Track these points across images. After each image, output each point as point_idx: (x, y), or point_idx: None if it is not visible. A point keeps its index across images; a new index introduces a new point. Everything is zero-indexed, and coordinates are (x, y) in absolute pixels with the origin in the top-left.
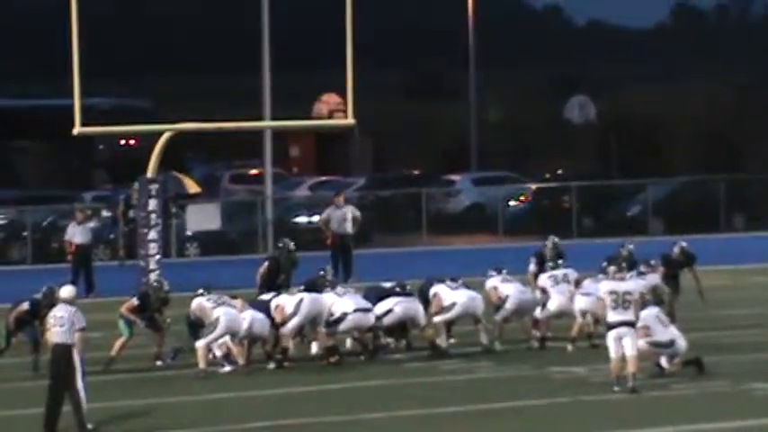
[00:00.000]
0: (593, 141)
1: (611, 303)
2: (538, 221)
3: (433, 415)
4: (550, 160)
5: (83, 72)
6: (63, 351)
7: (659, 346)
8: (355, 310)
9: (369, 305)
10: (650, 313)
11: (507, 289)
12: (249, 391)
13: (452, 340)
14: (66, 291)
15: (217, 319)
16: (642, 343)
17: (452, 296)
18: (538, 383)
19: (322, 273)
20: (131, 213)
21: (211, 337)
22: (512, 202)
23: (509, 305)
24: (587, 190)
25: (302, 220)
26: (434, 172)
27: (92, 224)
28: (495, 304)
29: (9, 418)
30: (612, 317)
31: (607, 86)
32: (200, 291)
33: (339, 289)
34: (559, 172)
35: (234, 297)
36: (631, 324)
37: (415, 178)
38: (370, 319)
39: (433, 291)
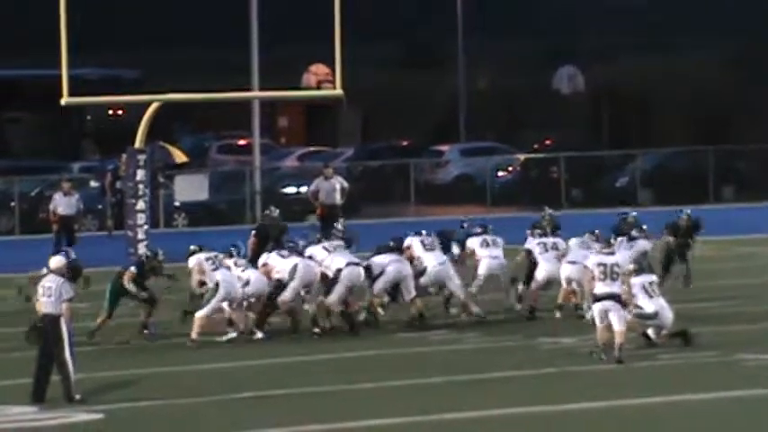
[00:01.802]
0: (582, 112)
1: (599, 275)
2: (526, 192)
3: (420, 385)
4: (539, 131)
5: (71, 43)
6: (51, 321)
7: (643, 318)
8: (348, 264)
9: (358, 260)
10: (638, 282)
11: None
12: (237, 362)
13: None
14: (55, 261)
15: (216, 284)
16: (627, 314)
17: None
18: (526, 354)
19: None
20: (119, 184)
21: (213, 304)
22: (500, 173)
23: (481, 270)
24: (576, 161)
25: (290, 190)
26: (423, 143)
27: (77, 195)
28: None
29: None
30: (600, 288)
31: (597, 57)
32: (194, 247)
33: (327, 244)
34: (548, 143)
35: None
36: (617, 297)
37: (403, 149)
38: (361, 273)
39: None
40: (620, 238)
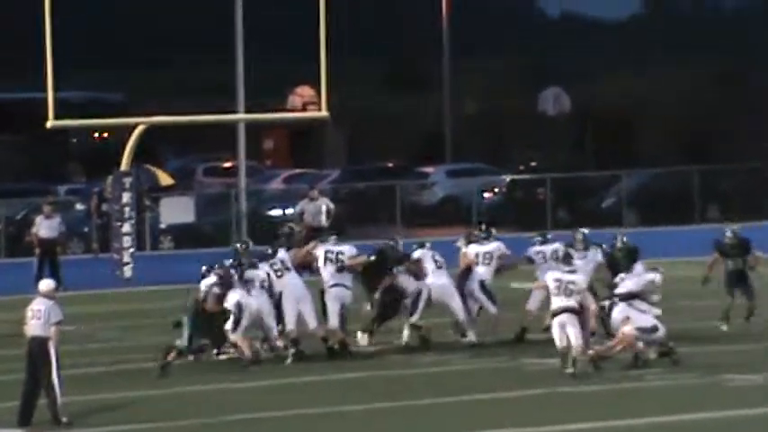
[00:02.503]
0: (568, 133)
1: (554, 290)
2: (512, 213)
3: (409, 407)
4: (525, 152)
5: (56, 66)
6: (39, 344)
7: (644, 332)
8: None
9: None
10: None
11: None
12: (224, 384)
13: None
14: (45, 284)
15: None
16: (629, 329)
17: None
18: (513, 375)
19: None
20: (104, 207)
21: (243, 324)
22: (486, 194)
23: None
24: (562, 182)
25: (276, 212)
26: (409, 164)
27: (58, 218)
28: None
29: None
30: (555, 303)
31: (581, 78)
32: (205, 269)
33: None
34: (533, 164)
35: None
36: (573, 310)
37: (389, 170)
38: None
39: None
40: (637, 266)
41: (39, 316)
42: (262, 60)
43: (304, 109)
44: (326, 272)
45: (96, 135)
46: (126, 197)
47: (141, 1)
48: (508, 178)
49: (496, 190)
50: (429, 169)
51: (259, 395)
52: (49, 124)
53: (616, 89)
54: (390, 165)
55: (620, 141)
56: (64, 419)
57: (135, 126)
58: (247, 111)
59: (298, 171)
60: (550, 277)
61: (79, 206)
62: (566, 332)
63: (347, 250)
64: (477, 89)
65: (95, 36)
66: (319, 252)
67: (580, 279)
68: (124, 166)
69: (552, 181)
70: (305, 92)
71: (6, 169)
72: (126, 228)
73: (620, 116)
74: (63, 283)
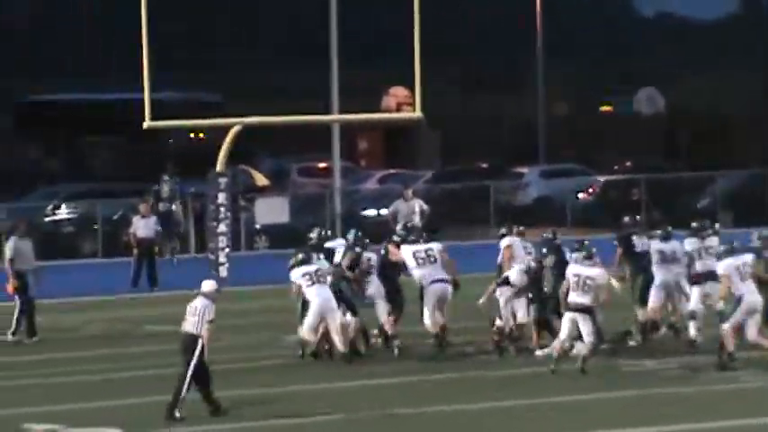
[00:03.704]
0: (662, 133)
1: (573, 285)
2: (606, 214)
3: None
4: (619, 152)
5: (153, 66)
6: (189, 340)
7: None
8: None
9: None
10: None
11: None
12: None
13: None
14: (207, 285)
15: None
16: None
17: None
18: (609, 375)
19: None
20: (161, 206)
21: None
22: (580, 195)
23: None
24: (656, 182)
25: (370, 213)
26: (502, 164)
27: (155, 218)
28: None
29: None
30: (572, 298)
31: (676, 78)
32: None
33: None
34: (628, 164)
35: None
36: (588, 309)
37: (482, 171)
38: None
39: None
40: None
41: (195, 313)
42: (356, 62)
43: (398, 110)
44: (420, 271)
45: (192, 135)
46: (222, 197)
47: (237, 2)
48: (602, 179)
49: (590, 190)
50: (523, 170)
51: (406, 390)
52: (145, 125)
53: (710, 89)
54: (484, 165)
55: (715, 141)
56: (178, 415)
57: (231, 127)
58: (342, 112)
59: (392, 171)
60: (571, 271)
61: (174, 207)
62: (576, 329)
63: (435, 246)
64: (571, 90)
65: (191, 37)
66: (406, 253)
67: (599, 274)
68: (220, 166)
69: (646, 182)
70: (399, 93)
71: (103, 170)
72: (222, 228)
73: (715, 116)
74: (158, 283)
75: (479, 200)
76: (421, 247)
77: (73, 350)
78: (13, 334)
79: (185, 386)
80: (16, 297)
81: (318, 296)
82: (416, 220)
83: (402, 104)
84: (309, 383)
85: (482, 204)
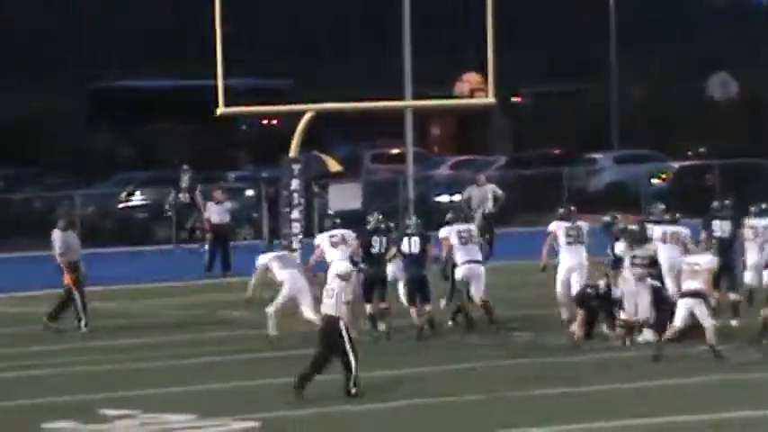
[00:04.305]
0: (736, 119)
1: (686, 272)
2: (680, 200)
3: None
4: (693, 138)
5: (226, 53)
6: (331, 323)
7: None
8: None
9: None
10: None
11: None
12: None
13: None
14: (341, 266)
15: None
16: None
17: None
18: (678, 361)
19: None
20: (180, 197)
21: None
22: (653, 181)
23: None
24: (730, 168)
25: (443, 199)
26: (575, 150)
27: (230, 204)
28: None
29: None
30: (685, 285)
31: (749, 63)
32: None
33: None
34: (702, 150)
35: None
36: (699, 293)
37: (555, 157)
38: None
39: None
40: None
41: (331, 296)
42: (429, 47)
43: (471, 95)
44: (459, 251)
45: (265, 122)
46: (295, 184)
47: None
48: (676, 165)
49: (664, 176)
50: (596, 155)
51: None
52: (218, 111)
53: None
54: (557, 151)
55: None
56: (353, 391)
57: (303, 113)
58: (414, 98)
59: (465, 158)
60: (684, 259)
61: (249, 192)
62: (689, 315)
63: (473, 226)
64: (644, 75)
65: (262, 24)
66: (450, 234)
67: (704, 260)
68: (293, 152)
69: (720, 167)
70: (472, 78)
71: (175, 156)
72: (295, 214)
73: None
74: (231, 268)
75: (552, 186)
76: (462, 226)
77: (146, 336)
78: (86, 325)
79: (353, 364)
80: (73, 289)
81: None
82: (490, 205)
83: (475, 90)
84: (421, 366)
85: (555, 190)
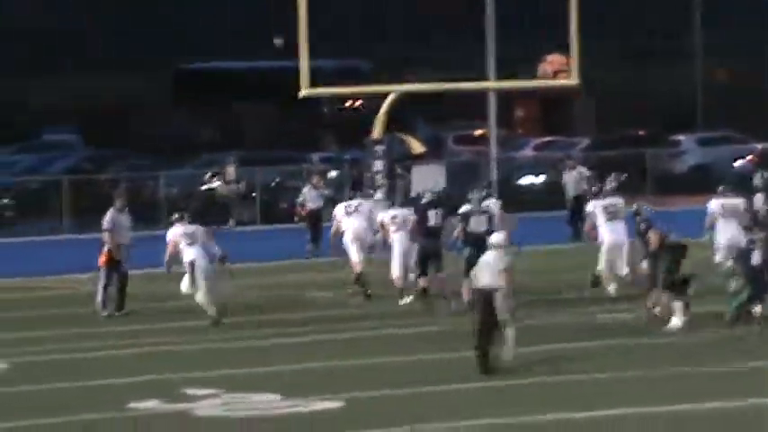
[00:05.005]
0: None
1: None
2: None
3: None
4: None
5: (310, 34)
6: (486, 293)
7: None
8: None
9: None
10: None
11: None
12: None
13: None
14: (495, 237)
15: None
16: None
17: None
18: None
19: None
20: (228, 189)
21: None
22: (737, 162)
23: None
24: None
25: (527, 180)
26: (659, 132)
27: (326, 190)
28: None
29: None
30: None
31: None
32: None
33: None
34: None
35: None
36: None
37: (639, 138)
38: None
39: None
40: None
41: (488, 268)
42: (512, 29)
43: (555, 77)
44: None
45: (348, 103)
46: (378, 165)
47: None
48: (760, 146)
49: (749, 158)
50: (680, 137)
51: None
52: (302, 93)
53: None
54: (641, 133)
55: None
56: (507, 362)
57: (386, 95)
58: (498, 79)
59: (548, 139)
60: None
61: (332, 174)
62: None
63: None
64: (729, 58)
65: (344, 5)
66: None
67: None
68: (376, 134)
69: None
70: (556, 60)
71: (259, 137)
72: (378, 195)
73: None
74: (321, 249)
75: (635, 168)
76: (608, 201)
77: (232, 316)
78: (119, 309)
79: (510, 338)
80: (101, 270)
81: None
82: (584, 186)
83: (559, 72)
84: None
85: (638, 172)
